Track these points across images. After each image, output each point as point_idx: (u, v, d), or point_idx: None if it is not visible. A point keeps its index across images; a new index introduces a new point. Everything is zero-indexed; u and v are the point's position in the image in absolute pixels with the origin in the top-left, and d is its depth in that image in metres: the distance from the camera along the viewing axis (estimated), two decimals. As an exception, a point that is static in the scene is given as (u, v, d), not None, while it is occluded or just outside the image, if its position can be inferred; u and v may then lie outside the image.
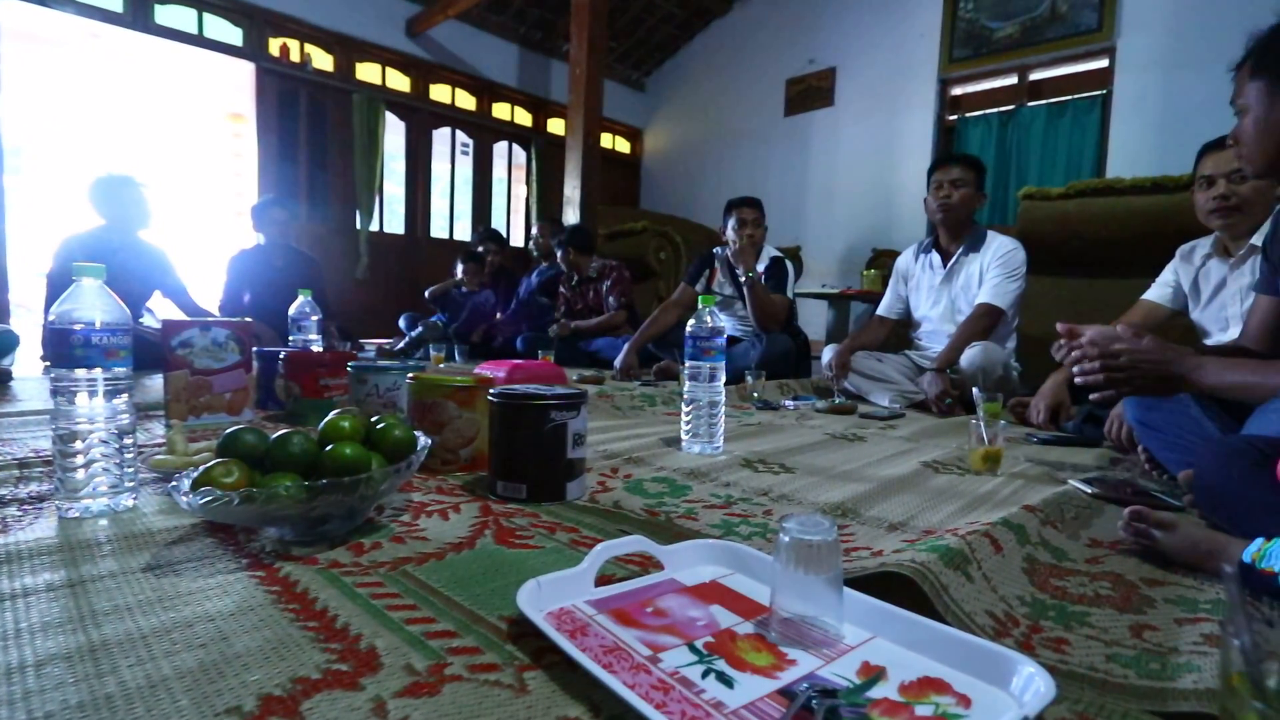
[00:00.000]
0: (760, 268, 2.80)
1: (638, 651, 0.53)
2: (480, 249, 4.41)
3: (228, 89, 5.06)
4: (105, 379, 0.85)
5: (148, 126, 5.02)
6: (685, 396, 1.41)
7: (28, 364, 2.68)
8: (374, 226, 5.53)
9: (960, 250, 2.32)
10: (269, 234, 3.39)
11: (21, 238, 4.23)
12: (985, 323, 2.20)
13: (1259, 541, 0.68)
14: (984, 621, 0.61)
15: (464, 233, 6.18)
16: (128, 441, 0.88)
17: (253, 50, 4.89)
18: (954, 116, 5.15)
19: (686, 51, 6.89)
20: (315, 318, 2.16)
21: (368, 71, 5.48)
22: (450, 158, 6.12)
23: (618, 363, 2.93)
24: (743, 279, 2.73)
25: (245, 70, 4.91)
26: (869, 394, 2.34)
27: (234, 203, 5.21)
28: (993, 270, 2.24)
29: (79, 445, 0.84)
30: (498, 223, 6.51)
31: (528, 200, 6.58)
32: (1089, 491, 1.10)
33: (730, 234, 2.79)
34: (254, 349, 1.66)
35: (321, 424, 0.88)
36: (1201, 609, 0.67)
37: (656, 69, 7.16)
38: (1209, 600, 0.70)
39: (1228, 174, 1.53)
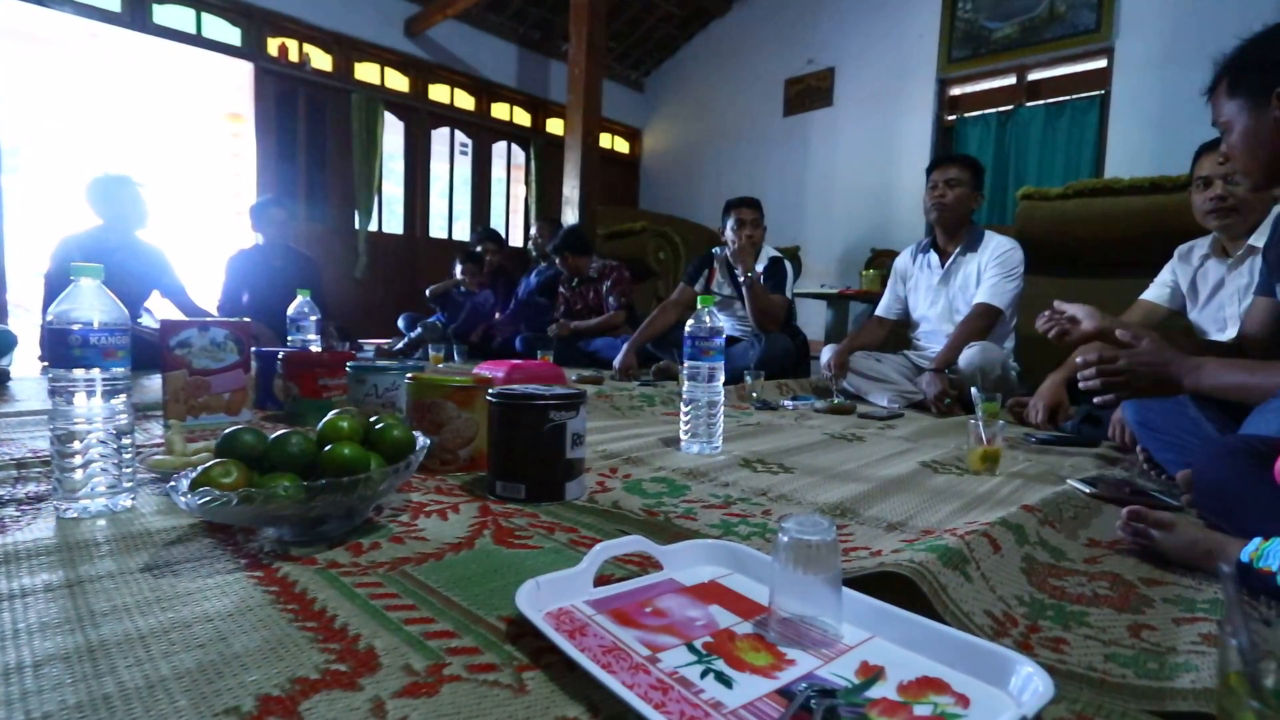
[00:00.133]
0: (759, 268, 2.80)
1: (637, 651, 0.53)
2: (479, 249, 4.41)
3: (226, 89, 5.06)
4: (103, 379, 0.85)
5: (146, 126, 5.01)
6: (684, 396, 1.41)
7: (26, 364, 2.68)
8: (373, 226, 5.53)
9: (958, 250, 2.32)
10: (267, 234, 3.39)
11: (19, 238, 4.23)
12: (983, 322, 2.20)
13: (1257, 541, 0.68)
14: (982, 621, 0.61)
15: (463, 233, 6.18)
16: (126, 442, 0.88)
17: (251, 50, 4.88)
18: (952, 117, 5.15)
19: (686, 51, 6.89)
20: (314, 318, 2.16)
21: (366, 71, 5.48)
22: (449, 158, 6.12)
23: (617, 363, 2.93)
24: (741, 279, 2.73)
25: (244, 70, 4.91)
26: (868, 394, 2.34)
27: (232, 202, 5.21)
28: (990, 270, 2.24)
29: (77, 445, 0.84)
30: (497, 223, 6.51)
31: (526, 200, 6.58)
32: (1087, 491, 1.10)
33: (729, 234, 2.79)
34: (252, 349, 1.66)
35: (320, 424, 0.87)
36: (1199, 608, 0.67)
37: (655, 69, 7.16)
38: (1207, 600, 0.70)
39: (1224, 175, 1.53)
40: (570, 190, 4.71)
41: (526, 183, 6.57)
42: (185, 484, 0.74)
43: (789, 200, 5.87)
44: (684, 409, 1.41)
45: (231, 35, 4.84)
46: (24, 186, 4.43)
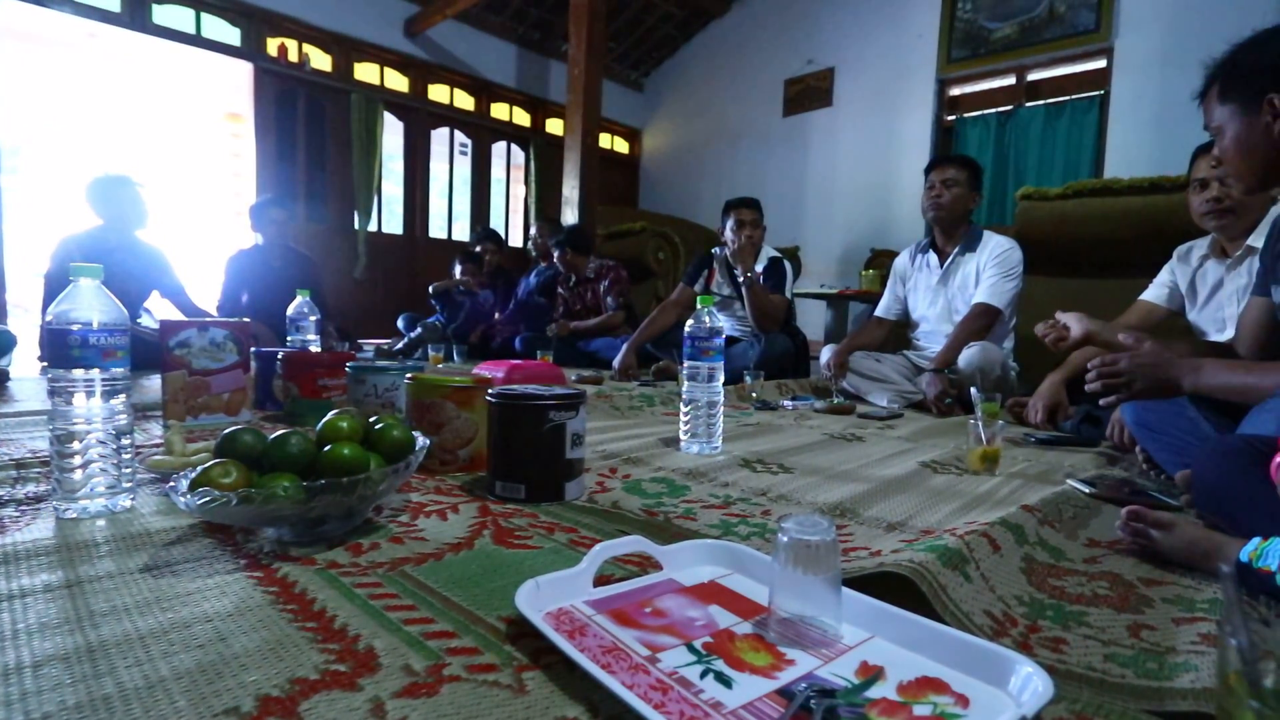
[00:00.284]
0: (759, 268, 2.80)
1: (636, 652, 0.53)
2: (478, 249, 4.41)
3: (226, 89, 5.05)
4: (103, 379, 0.85)
5: (145, 126, 5.01)
6: (684, 396, 1.41)
7: (25, 364, 2.68)
8: (372, 226, 5.52)
9: (956, 250, 2.32)
10: (267, 234, 3.39)
11: (19, 238, 4.22)
12: (982, 322, 2.20)
13: (1256, 540, 0.68)
14: (982, 621, 0.61)
15: (462, 233, 6.18)
16: (125, 442, 0.88)
17: (251, 50, 4.88)
18: (952, 117, 5.15)
19: (685, 52, 6.89)
20: (313, 318, 2.15)
21: (366, 71, 5.48)
22: (449, 158, 6.11)
23: (616, 363, 2.93)
24: (741, 279, 2.73)
25: (243, 70, 4.90)
26: (867, 394, 2.34)
27: (232, 203, 5.20)
28: (989, 270, 2.24)
29: (76, 446, 0.84)
30: (496, 223, 6.51)
31: (526, 200, 6.58)
32: (1087, 491, 1.10)
33: (729, 234, 2.79)
34: (252, 349, 1.66)
35: (320, 424, 0.87)
36: (1199, 608, 0.67)
37: (655, 69, 7.16)
38: (1206, 600, 0.70)
39: (1220, 176, 1.53)
40: (570, 190, 4.71)
41: (526, 183, 6.57)
42: (185, 484, 0.74)
43: (788, 200, 5.87)
44: (684, 409, 1.41)
45: (231, 35, 4.84)
46: (24, 186, 4.43)
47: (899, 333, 2.61)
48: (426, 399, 1.15)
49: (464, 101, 6.09)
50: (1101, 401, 1.06)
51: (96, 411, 0.85)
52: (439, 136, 6.01)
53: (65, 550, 0.74)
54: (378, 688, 0.48)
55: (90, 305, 0.85)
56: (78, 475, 0.84)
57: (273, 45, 4.98)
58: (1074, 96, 4.60)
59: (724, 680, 0.50)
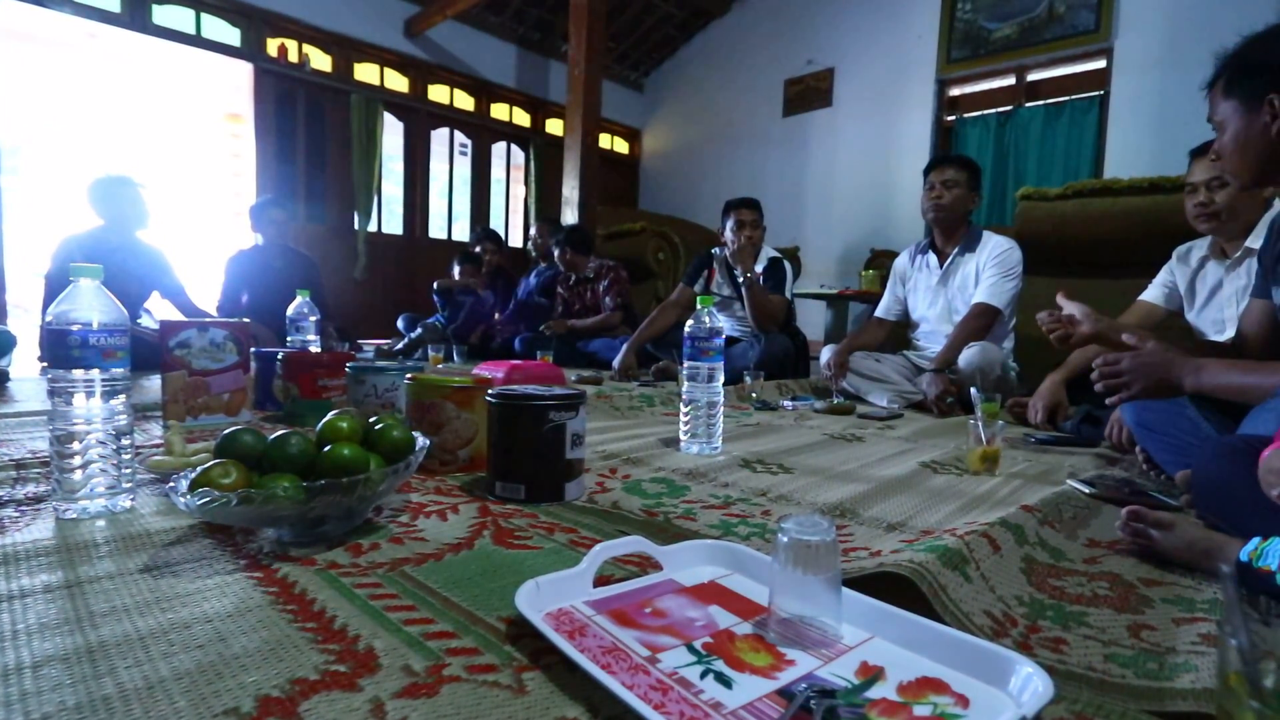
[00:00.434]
0: (759, 268, 2.80)
1: (636, 652, 0.53)
2: (478, 249, 4.41)
3: (226, 89, 5.05)
4: (103, 380, 0.85)
5: (146, 127, 5.01)
6: (684, 397, 1.41)
7: (25, 365, 2.68)
8: (372, 227, 5.52)
9: (956, 251, 2.33)
10: (267, 234, 3.39)
11: (19, 238, 4.22)
12: (982, 322, 2.20)
13: (1256, 540, 0.68)
14: (982, 621, 0.61)
15: (462, 233, 6.18)
16: (125, 442, 0.88)
17: (251, 50, 4.88)
18: (952, 117, 5.15)
19: (685, 52, 6.89)
20: (313, 318, 2.16)
21: (366, 72, 5.48)
22: (448, 158, 6.11)
23: (616, 363, 2.93)
24: (741, 279, 2.73)
25: (243, 70, 4.91)
26: (867, 394, 2.34)
27: (232, 203, 5.20)
28: (989, 270, 2.24)
29: (76, 446, 0.84)
30: (496, 223, 6.51)
31: (526, 201, 6.58)
32: (1087, 491, 1.10)
33: (729, 235, 2.79)
34: (252, 349, 1.66)
35: (319, 425, 0.87)
36: (1199, 609, 0.67)
37: (655, 69, 7.17)
38: (1206, 600, 0.70)
39: (1207, 181, 1.55)
40: (570, 190, 4.71)
41: (526, 183, 6.58)
42: (184, 485, 0.74)
43: (788, 201, 5.87)
44: (683, 409, 1.41)
45: (231, 36, 4.84)
46: (24, 187, 4.43)
47: (899, 333, 2.61)
48: (426, 399, 1.15)
49: (464, 102, 6.09)
50: (1108, 401, 1.06)
51: (96, 412, 0.85)
52: (439, 137, 6.01)
53: (65, 551, 0.74)
54: (378, 688, 0.48)
55: (90, 305, 0.85)
56: (77, 475, 0.84)
57: (273, 46, 4.98)
58: (1074, 96, 4.60)
59: (724, 681, 0.50)
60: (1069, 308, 1.31)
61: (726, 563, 0.71)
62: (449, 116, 6.01)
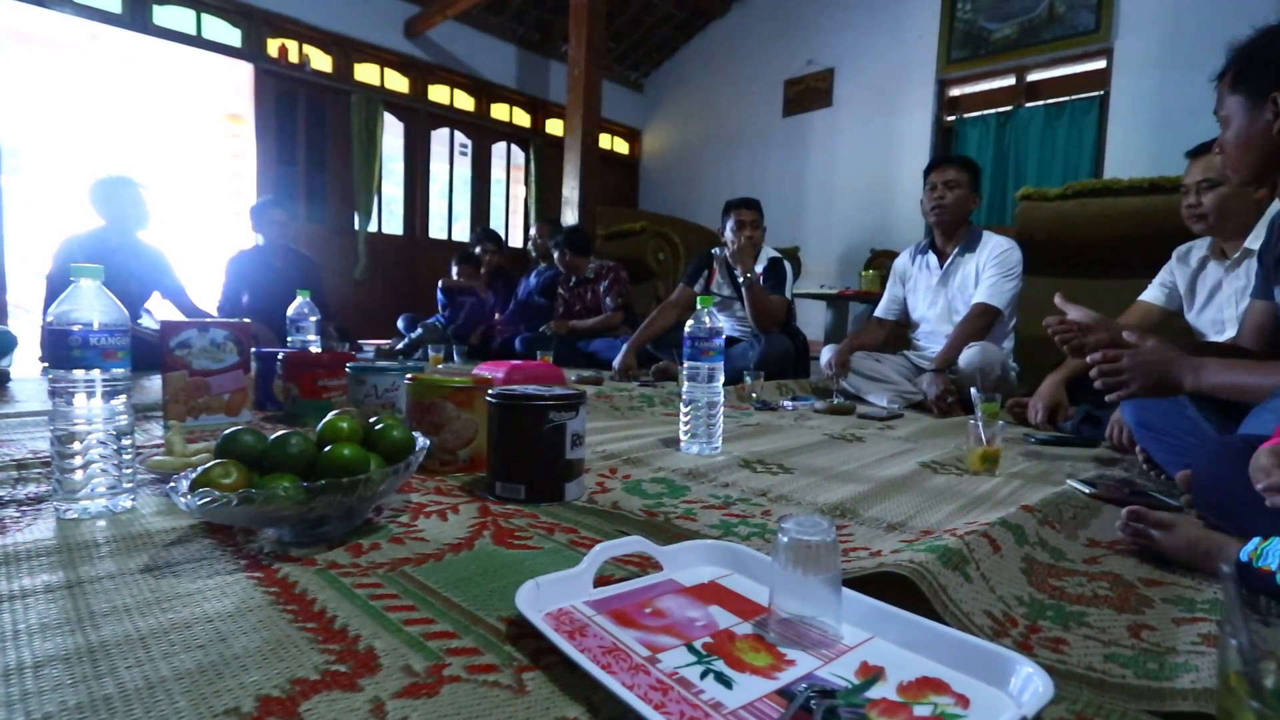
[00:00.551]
0: (759, 268, 2.80)
1: (636, 652, 0.53)
2: (478, 249, 4.41)
3: (226, 90, 5.06)
4: (103, 380, 0.85)
5: (146, 127, 5.01)
6: (684, 397, 1.41)
7: (26, 365, 2.68)
8: (372, 227, 5.53)
9: (956, 251, 2.33)
10: (268, 235, 3.39)
11: (20, 239, 4.22)
12: (982, 322, 2.20)
13: (1256, 540, 0.68)
14: (982, 621, 0.61)
15: (462, 233, 6.18)
16: (126, 442, 0.88)
17: (251, 51, 4.88)
18: (952, 117, 5.15)
19: (685, 52, 6.89)
20: (314, 318, 2.16)
21: (366, 72, 5.48)
22: (449, 158, 6.12)
23: (616, 363, 2.93)
24: (741, 280, 2.73)
25: (244, 71, 4.91)
26: (867, 394, 2.34)
27: (232, 203, 5.21)
28: (989, 270, 2.24)
29: (77, 446, 0.84)
30: (496, 223, 6.51)
31: (526, 201, 6.58)
32: (1087, 492, 1.10)
33: (729, 235, 2.79)
34: (252, 350, 1.66)
35: (320, 425, 0.88)
36: (1199, 609, 0.67)
37: (655, 70, 7.17)
38: (1206, 600, 0.70)
39: (1198, 183, 1.56)
40: (570, 191, 4.71)
41: (526, 183, 6.58)
42: (185, 485, 0.74)
43: (788, 201, 5.87)
44: (684, 409, 1.41)
45: (231, 36, 4.84)
46: (24, 187, 4.43)
47: (899, 333, 2.61)
48: (426, 399, 1.15)
49: (464, 102, 6.09)
50: (1106, 398, 1.05)
51: (97, 412, 0.85)
52: (439, 137, 6.01)
53: (66, 551, 0.74)
54: (378, 688, 0.48)
55: (91, 306, 0.85)
56: (78, 476, 0.84)
57: (273, 46, 4.98)
58: (1074, 97, 4.60)
59: (724, 681, 0.50)
60: (1073, 312, 1.23)
61: (727, 563, 0.71)
62: (449, 117, 6.01)
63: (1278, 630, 0.35)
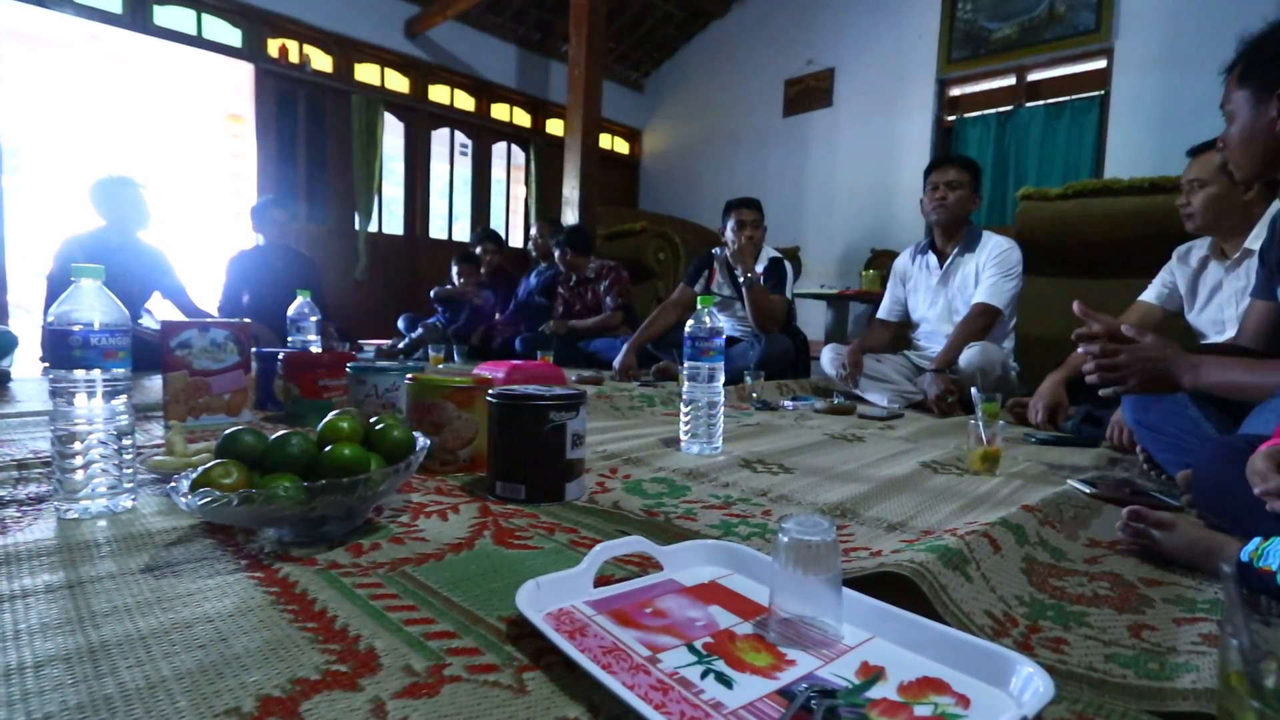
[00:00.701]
0: (759, 268, 2.80)
1: (637, 652, 0.53)
2: (477, 249, 4.41)
3: (227, 90, 5.06)
4: (104, 380, 0.85)
5: (147, 128, 5.01)
6: (684, 397, 1.41)
7: (27, 365, 2.68)
8: (373, 227, 5.53)
9: (956, 251, 2.32)
10: (268, 235, 3.39)
11: (20, 239, 4.23)
12: (982, 322, 2.20)
13: (1257, 540, 0.68)
14: (983, 621, 0.61)
15: (463, 233, 6.18)
16: (126, 442, 0.88)
17: (251, 51, 4.88)
18: (952, 117, 5.15)
19: (685, 52, 6.89)
20: (314, 318, 2.16)
21: (366, 72, 5.48)
22: (449, 158, 6.11)
23: (616, 363, 2.93)
24: (741, 280, 2.73)
25: (244, 71, 4.91)
26: (868, 394, 2.34)
27: (233, 204, 5.21)
28: (989, 270, 2.24)
29: (78, 446, 0.84)
30: (496, 223, 6.51)
31: (526, 201, 6.58)
32: (1087, 491, 1.10)
33: (729, 235, 2.79)
34: (253, 350, 1.66)
35: (320, 425, 0.88)
36: (1200, 609, 0.67)
37: (655, 70, 7.16)
38: (1207, 600, 0.70)
39: (1190, 182, 1.57)
40: (570, 191, 4.71)
41: (526, 183, 6.58)
42: (186, 485, 0.74)
43: (789, 201, 5.87)
44: (684, 409, 1.41)
45: (232, 36, 4.84)
46: (25, 187, 4.43)
47: (899, 333, 2.61)
48: (427, 399, 1.15)
49: (464, 102, 6.09)
50: (1102, 393, 1.04)
51: (98, 412, 0.85)
52: (439, 137, 6.01)
53: (66, 551, 0.74)
54: (378, 688, 0.48)
55: (92, 306, 0.85)
56: (79, 476, 0.84)
57: (273, 46, 4.98)
58: (1074, 96, 4.60)
59: (724, 681, 0.50)
60: (1099, 324, 1.06)
61: (727, 563, 0.71)
62: (449, 117, 6.01)
63: (1278, 630, 0.35)
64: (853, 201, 5.60)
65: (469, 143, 6.21)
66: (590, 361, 3.42)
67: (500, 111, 6.34)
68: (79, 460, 0.84)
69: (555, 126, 6.51)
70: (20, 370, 2.48)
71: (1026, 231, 2.63)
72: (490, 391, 1.02)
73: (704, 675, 0.50)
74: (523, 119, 6.51)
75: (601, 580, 0.66)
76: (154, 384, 2.08)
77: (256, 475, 0.78)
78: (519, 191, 6.70)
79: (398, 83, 5.67)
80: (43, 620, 0.57)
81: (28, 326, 3.20)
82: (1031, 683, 0.46)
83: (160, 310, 3.10)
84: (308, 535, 0.78)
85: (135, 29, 4.43)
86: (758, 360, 2.61)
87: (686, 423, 1.41)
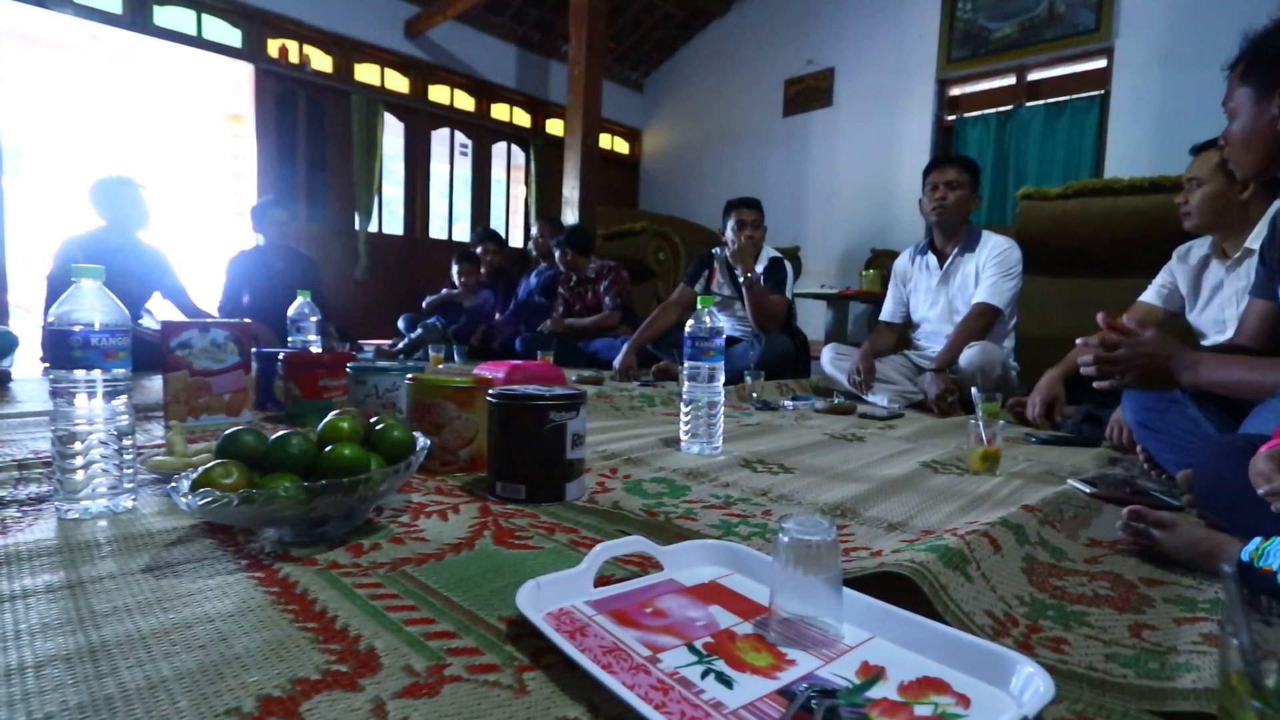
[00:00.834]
0: (759, 268, 2.80)
1: (637, 652, 0.53)
2: (477, 249, 4.41)
3: (227, 90, 5.06)
4: (104, 380, 0.85)
5: (147, 128, 5.02)
6: (684, 397, 1.41)
7: (27, 365, 2.68)
8: (373, 227, 5.53)
9: (956, 251, 2.32)
10: (268, 235, 3.39)
11: (21, 239, 4.23)
12: (983, 322, 2.20)
13: (1257, 540, 0.68)
14: (983, 621, 0.61)
15: (463, 233, 6.18)
16: (127, 443, 0.88)
17: (251, 51, 4.88)
18: (952, 117, 5.15)
19: (685, 52, 6.89)
20: (314, 319, 2.16)
21: (366, 72, 5.48)
22: (449, 158, 6.11)
23: (616, 363, 2.93)
24: (742, 279, 2.73)
25: (244, 71, 4.91)
26: (868, 394, 2.34)
27: (233, 204, 5.21)
28: (989, 269, 2.24)
29: (78, 446, 0.84)
30: (496, 223, 6.51)
31: (526, 201, 6.58)
32: (1088, 491, 1.10)
33: (729, 234, 2.79)
34: (253, 350, 1.66)
35: (320, 425, 0.88)
36: (1200, 608, 0.67)
37: (655, 70, 7.16)
38: (1208, 599, 0.70)
39: (1187, 180, 1.58)
40: (570, 190, 4.71)
41: (526, 183, 6.58)
42: (186, 485, 0.74)
43: (789, 200, 5.87)
44: (684, 409, 1.41)
45: (232, 37, 4.84)
46: (25, 188, 4.43)
47: (900, 333, 2.60)
48: (427, 399, 1.15)
49: (464, 102, 6.09)
50: (1096, 385, 1.03)
51: (98, 412, 0.85)
52: (439, 137, 6.01)
53: (67, 551, 0.74)
54: (379, 688, 0.48)
55: (92, 306, 0.85)
56: (79, 476, 0.84)
57: (273, 46, 4.98)
58: (1074, 96, 4.59)
59: (725, 680, 0.50)
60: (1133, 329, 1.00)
61: (727, 563, 0.71)
62: (449, 117, 6.01)
63: (1279, 630, 0.35)
64: (853, 201, 5.59)
65: (469, 143, 6.21)
66: (590, 361, 3.42)
67: (500, 111, 6.34)
68: (79, 460, 0.84)
69: (555, 126, 6.51)
70: (21, 370, 2.48)
71: (1026, 231, 2.63)
72: (490, 391, 1.02)
73: (704, 675, 0.50)
74: (523, 119, 6.51)
75: (602, 580, 0.66)
76: (154, 384, 2.08)
77: (257, 475, 0.78)
78: (519, 191, 6.70)
79: (398, 83, 5.67)
80: (43, 620, 0.57)
81: (28, 326, 3.20)
82: (1032, 682, 0.46)
83: (160, 310, 3.10)
84: (308, 535, 0.78)
85: (135, 29, 4.43)
86: (758, 360, 2.61)
87: (686, 423, 1.41)
